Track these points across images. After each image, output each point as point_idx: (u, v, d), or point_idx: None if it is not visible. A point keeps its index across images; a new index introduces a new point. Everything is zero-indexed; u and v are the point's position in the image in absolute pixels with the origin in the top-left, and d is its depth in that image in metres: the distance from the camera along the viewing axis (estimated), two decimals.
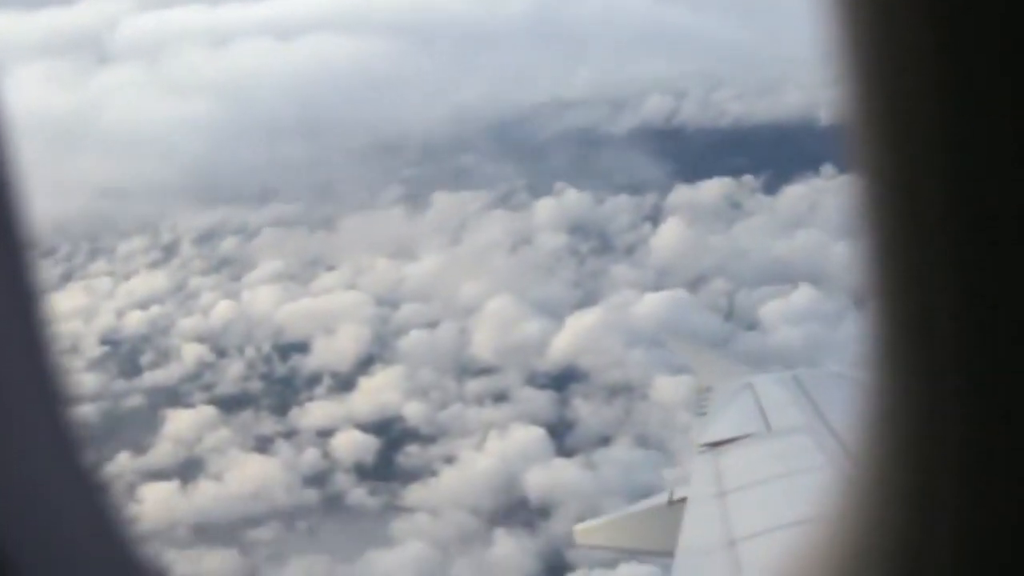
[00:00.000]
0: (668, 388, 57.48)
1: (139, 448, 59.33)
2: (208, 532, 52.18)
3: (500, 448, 54.98)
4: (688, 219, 77.01)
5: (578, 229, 79.40)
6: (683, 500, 11.11)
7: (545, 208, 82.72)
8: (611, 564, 43.56)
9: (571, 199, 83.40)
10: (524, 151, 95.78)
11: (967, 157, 1.02)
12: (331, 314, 70.24)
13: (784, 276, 66.25)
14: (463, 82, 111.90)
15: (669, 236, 75.36)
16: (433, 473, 54.62)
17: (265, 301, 74.18)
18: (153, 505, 54.23)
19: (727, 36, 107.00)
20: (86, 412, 61.47)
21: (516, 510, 51.28)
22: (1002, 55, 0.99)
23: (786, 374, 14.15)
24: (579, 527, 13.77)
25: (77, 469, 1.57)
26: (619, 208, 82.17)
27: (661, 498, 12.08)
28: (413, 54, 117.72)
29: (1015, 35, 0.99)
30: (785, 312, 62.85)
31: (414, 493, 53.41)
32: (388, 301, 71.80)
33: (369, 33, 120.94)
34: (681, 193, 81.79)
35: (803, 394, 12.82)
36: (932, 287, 1.06)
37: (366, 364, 64.91)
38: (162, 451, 59.07)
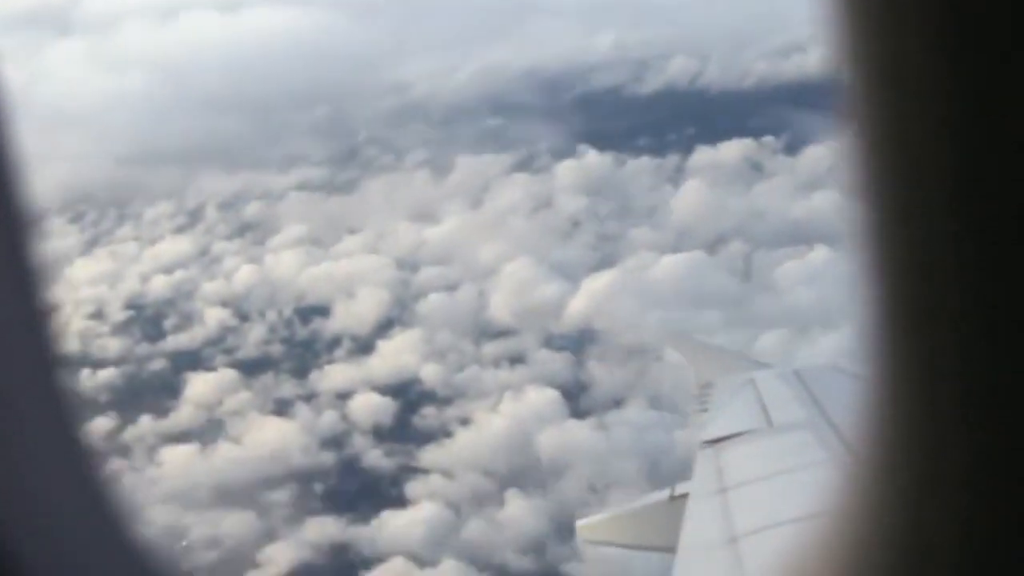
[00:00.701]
0: None
1: (161, 411, 60.18)
2: (226, 494, 52.89)
3: (514, 410, 55.49)
4: (708, 180, 77.13)
5: (599, 191, 79.71)
6: (685, 496, 11.12)
7: (566, 170, 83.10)
8: None
9: (592, 161, 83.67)
10: (548, 113, 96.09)
11: (970, 150, 1.03)
12: (352, 278, 70.88)
13: (802, 237, 66.35)
14: (489, 45, 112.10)
15: (689, 198, 75.57)
16: (448, 435, 55.21)
17: (288, 265, 74.94)
18: (173, 467, 55.10)
19: None
20: (109, 376, 62.57)
21: (529, 471, 51.80)
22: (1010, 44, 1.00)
23: (787, 369, 14.25)
24: (580, 523, 13.70)
25: (79, 463, 1.58)
26: (640, 170, 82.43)
27: (662, 494, 12.12)
28: (438, 16, 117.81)
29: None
30: (801, 273, 62.97)
31: (429, 455, 53.97)
32: (408, 264, 72.47)
33: None
34: (702, 154, 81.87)
35: (804, 389, 12.84)
36: (933, 280, 1.08)
37: (385, 327, 65.55)
38: (183, 414, 59.92)
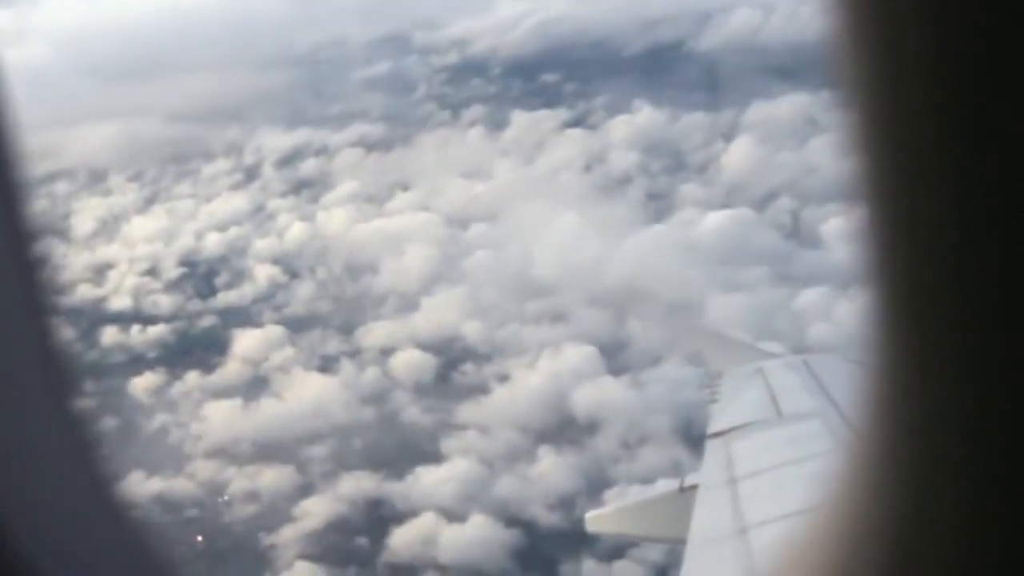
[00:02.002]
0: (723, 307, 57.80)
1: (208, 367, 61.11)
2: (267, 448, 53.68)
3: (552, 367, 55.70)
4: (761, 136, 76.58)
5: (651, 148, 79.49)
6: (694, 487, 11.08)
7: (620, 126, 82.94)
8: (647, 479, 44.49)
9: (646, 117, 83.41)
10: (607, 68, 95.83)
11: (971, 146, 1.03)
12: (402, 235, 71.32)
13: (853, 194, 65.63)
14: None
15: (740, 154, 75.12)
16: (485, 391, 55.54)
17: (339, 222, 75.64)
18: (217, 422, 55.99)
19: None
20: (160, 332, 63.60)
21: (563, 428, 52.07)
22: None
23: (796, 359, 14.14)
24: (590, 514, 13.52)
25: (82, 457, 1.53)
26: (694, 125, 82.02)
27: (672, 485, 12.06)
28: None
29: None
30: (847, 230, 62.37)
31: (466, 411, 54.36)
32: (458, 221, 72.79)
33: None
34: (758, 110, 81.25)
35: (813, 379, 12.76)
36: (935, 272, 1.09)
37: (431, 284, 65.92)
38: (230, 370, 60.78)
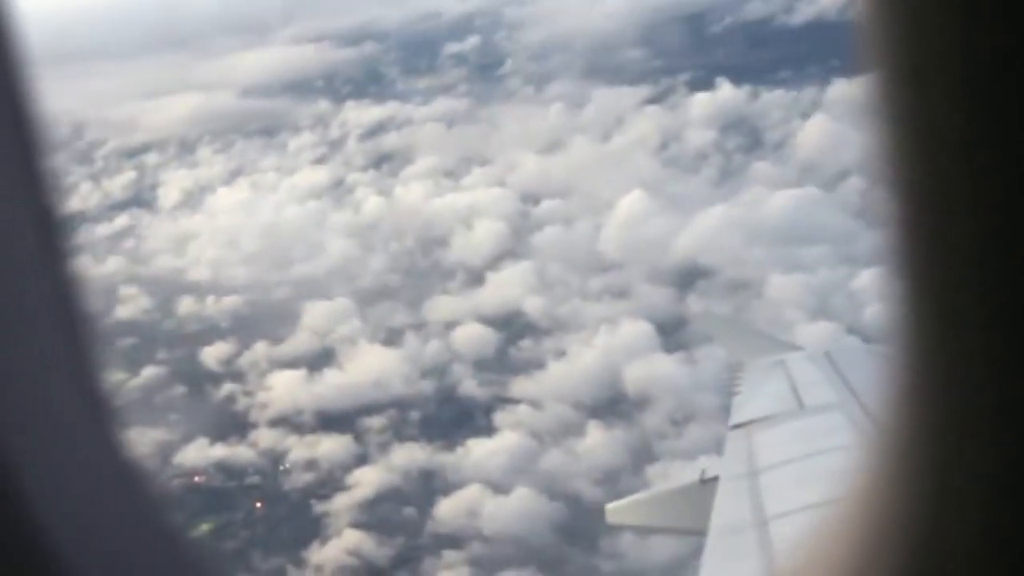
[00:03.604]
0: (783, 286, 57.99)
1: (277, 338, 62.52)
2: (328, 418, 54.90)
3: (608, 343, 56.25)
4: (839, 115, 76.13)
5: (729, 125, 79.54)
6: (715, 479, 11.10)
7: (699, 104, 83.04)
8: (691, 456, 44.94)
9: (726, 94, 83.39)
10: (693, 45, 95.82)
11: (1004, 139, 1.00)
12: (475, 209, 72.24)
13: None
14: None
15: (815, 132, 74.84)
16: (541, 366, 56.26)
17: (415, 196, 76.71)
18: (281, 392, 57.37)
19: None
20: (234, 303, 65.17)
21: (614, 404, 52.63)
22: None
23: (818, 351, 14.13)
24: (610, 506, 13.22)
25: (108, 444, 1.50)
26: (774, 104, 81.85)
27: (693, 477, 12.02)
28: None
29: None
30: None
31: (521, 385, 55.15)
32: (531, 197, 73.51)
33: None
34: (840, 88, 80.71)
35: (835, 371, 12.78)
36: (961, 265, 1.06)
37: (499, 259, 66.77)
38: (298, 341, 62.11)
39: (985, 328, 1.06)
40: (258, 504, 50.86)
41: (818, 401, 12.07)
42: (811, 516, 8.55)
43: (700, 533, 9.86)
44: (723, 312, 56.27)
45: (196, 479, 52.69)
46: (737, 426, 12.22)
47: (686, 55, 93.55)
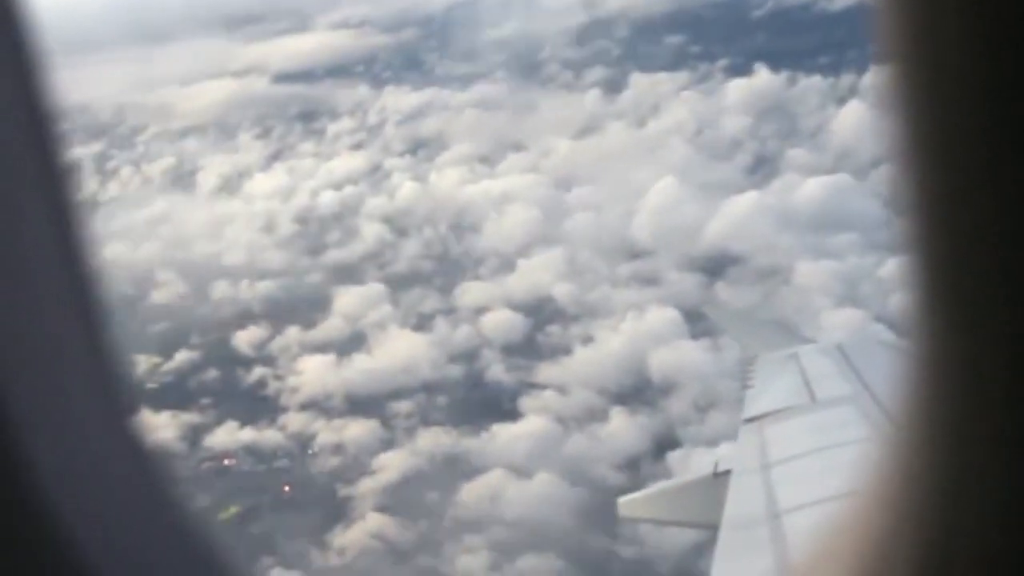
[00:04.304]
0: (811, 273, 57.98)
1: (309, 322, 63.09)
2: (356, 403, 55.37)
3: (635, 329, 56.42)
4: (876, 101, 75.73)
5: (765, 112, 79.38)
6: (728, 472, 11.07)
7: (736, 90, 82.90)
8: (713, 442, 45.07)
9: (763, 80, 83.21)
10: (733, 30, 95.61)
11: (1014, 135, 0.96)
12: (508, 196, 72.49)
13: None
14: None
15: (851, 119, 74.59)
16: (568, 352, 56.49)
17: (450, 182, 77.07)
18: (311, 376, 57.93)
19: None
20: (268, 288, 65.77)
21: (639, 390, 52.80)
22: None
23: (830, 344, 14.07)
24: (623, 499, 13.14)
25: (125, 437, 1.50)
26: (811, 90, 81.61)
27: (706, 470, 11.96)
28: None
29: None
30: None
31: (547, 371, 55.41)
32: (563, 183, 73.71)
33: None
34: (878, 73, 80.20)
35: (848, 365, 12.71)
36: (977, 259, 1.01)
37: (530, 245, 67.03)
38: (330, 325, 62.65)
39: (1003, 323, 1.04)
40: (286, 488, 51.36)
41: (831, 394, 12.05)
42: (824, 510, 8.54)
43: (713, 527, 9.93)
44: (749, 299, 56.76)
45: (226, 462, 53.29)
46: (750, 419, 12.23)
47: (726, 41, 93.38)
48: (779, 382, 13.03)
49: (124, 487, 1.49)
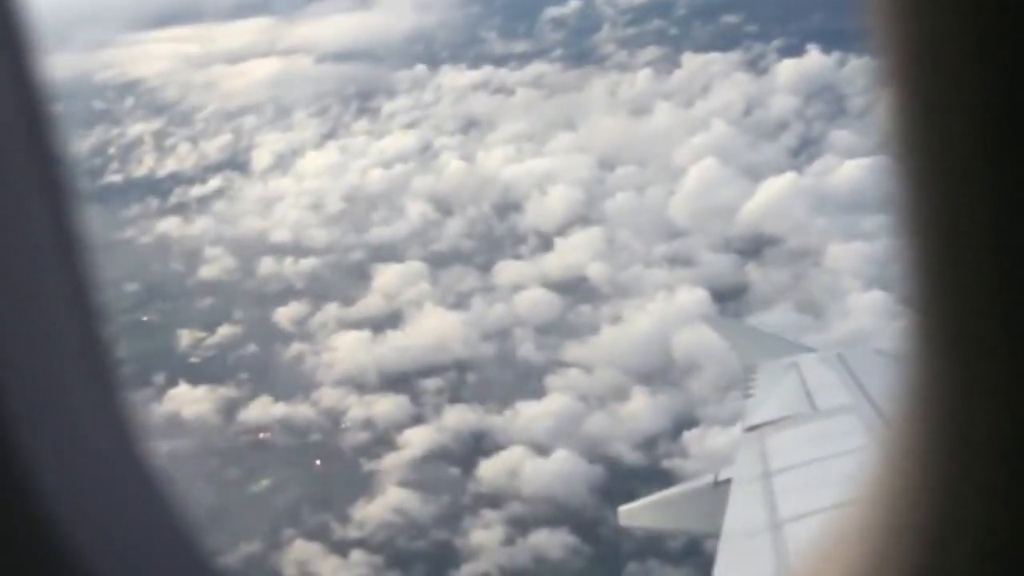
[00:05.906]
0: (841, 255, 58.11)
1: (349, 299, 64.23)
2: (388, 379, 56.32)
3: (663, 309, 56.85)
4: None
5: (814, 92, 79.24)
6: (728, 481, 11.16)
7: (786, 70, 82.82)
8: (730, 423, 45.51)
9: (814, 61, 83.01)
10: (789, 9, 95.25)
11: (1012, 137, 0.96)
12: (552, 175, 73.08)
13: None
14: None
15: None
16: (596, 331, 57.05)
17: (497, 161, 77.74)
18: (346, 352, 59.01)
19: None
20: (311, 265, 66.99)
21: (662, 369, 53.24)
22: None
23: (831, 353, 14.13)
24: (623, 508, 13.30)
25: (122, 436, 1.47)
26: (861, 70, 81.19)
27: (706, 479, 12.15)
28: None
29: None
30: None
31: (575, 349, 56.02)
32: (608, 163, 74.16)
33: None
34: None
35: (849, 374, 12.80)
36: (974, 267, 1.02)
37: (570, 224, 67.64)
38: (369, 303, 63.72)
39: (1001, 328, 1.05)
40: (317, 462, 52.45)
41: (832, 404, 12.15)
42: (824, 519, 8.53)
43: (713, 536, 10.04)
44: (779, 280, 57.00)
45: (261, 436, 54.52)
46: (750, 428, 12.35)
47: (782, 20, 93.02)
48: (780, 391, 13.18)
49: (122, 485, 1.52)
